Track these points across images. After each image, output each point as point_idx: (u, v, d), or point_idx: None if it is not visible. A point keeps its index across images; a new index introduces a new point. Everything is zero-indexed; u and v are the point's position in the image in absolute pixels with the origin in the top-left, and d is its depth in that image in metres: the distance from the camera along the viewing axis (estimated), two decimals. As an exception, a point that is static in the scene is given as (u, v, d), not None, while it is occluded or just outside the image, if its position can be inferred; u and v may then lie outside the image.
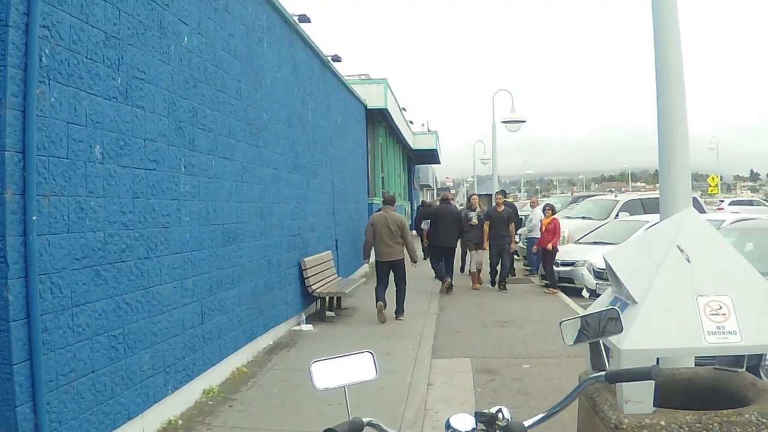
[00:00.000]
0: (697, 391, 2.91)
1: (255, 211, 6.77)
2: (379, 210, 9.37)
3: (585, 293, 10.42)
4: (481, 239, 11.67)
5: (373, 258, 9.07)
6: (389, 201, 9.18)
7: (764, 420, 2.38)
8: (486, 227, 11.70)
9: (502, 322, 8.44)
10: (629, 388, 2.47)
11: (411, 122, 28.59)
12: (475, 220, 11.78)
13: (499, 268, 11.58)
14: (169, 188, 4.77)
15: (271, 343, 7.26)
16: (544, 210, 11.76)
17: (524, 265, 14.72)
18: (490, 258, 11.68)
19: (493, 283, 11.71)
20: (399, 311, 8.75)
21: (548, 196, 61.37)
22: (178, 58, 4.98)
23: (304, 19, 11.35)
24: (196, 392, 5.20)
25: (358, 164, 14.13)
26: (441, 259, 11.50)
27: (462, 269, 13.35)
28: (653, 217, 10.36)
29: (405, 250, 8.82)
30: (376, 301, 8.59)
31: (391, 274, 8.82)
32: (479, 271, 11.84)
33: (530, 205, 17.50)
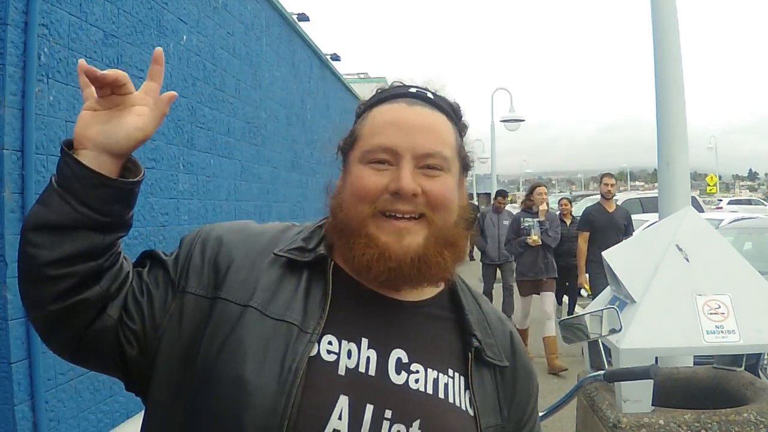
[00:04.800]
0: (695, 390, 2.91)
1: (254, 209, 6.77)
2: None
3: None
4: (546, 270, 6.40)
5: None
6: None
7: (763, 419, 2.38)
8: (583, 243, 6.44)
9: (501, 321, 8.41)
10: (628, 387, 2.47)
11: (410, 121, 28.56)
12: (535, 237, 6.35)
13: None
14: (167, 187, 4.77)
15: (270, 341, 7.25)
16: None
17: None
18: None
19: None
20: None
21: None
22: (177, 56, 4.97)
23: (304, 17, 11.36)
24: (194, 391, 5.19)
25: (357, 163, 14.16)
26: None
27: None
28: (652, 217, 10.37)
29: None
30: None
31: None
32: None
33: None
